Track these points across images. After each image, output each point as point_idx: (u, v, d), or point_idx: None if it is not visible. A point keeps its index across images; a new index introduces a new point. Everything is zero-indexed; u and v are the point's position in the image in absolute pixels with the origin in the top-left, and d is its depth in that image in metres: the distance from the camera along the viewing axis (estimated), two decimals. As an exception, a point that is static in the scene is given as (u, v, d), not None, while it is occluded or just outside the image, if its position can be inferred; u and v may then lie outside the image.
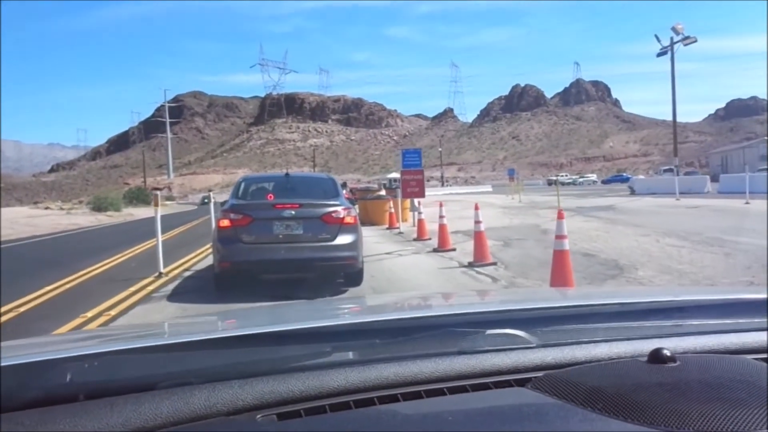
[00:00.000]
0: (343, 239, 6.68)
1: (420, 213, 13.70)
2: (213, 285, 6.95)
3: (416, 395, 0.96)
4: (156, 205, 8.66)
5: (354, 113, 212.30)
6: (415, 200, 15.34)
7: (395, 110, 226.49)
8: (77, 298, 7.06)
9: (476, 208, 9.06)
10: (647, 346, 1.07)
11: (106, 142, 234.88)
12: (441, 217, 10.98)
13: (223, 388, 0.91)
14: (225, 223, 6.62)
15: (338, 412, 0.90)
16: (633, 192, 33.00)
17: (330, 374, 0.97)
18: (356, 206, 7.75)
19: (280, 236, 6.57)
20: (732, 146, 68.17)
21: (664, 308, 1.37)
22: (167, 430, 0.84)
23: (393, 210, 16.98)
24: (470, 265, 8.62)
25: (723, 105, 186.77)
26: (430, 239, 12.38)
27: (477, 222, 8.81)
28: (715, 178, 34.39)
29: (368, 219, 17.79)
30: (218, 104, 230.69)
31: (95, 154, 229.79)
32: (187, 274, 8.88)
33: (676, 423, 0.78)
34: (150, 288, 7.49)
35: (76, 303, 6.69)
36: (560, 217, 6.01)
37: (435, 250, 10.62)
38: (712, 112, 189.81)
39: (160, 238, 8.72)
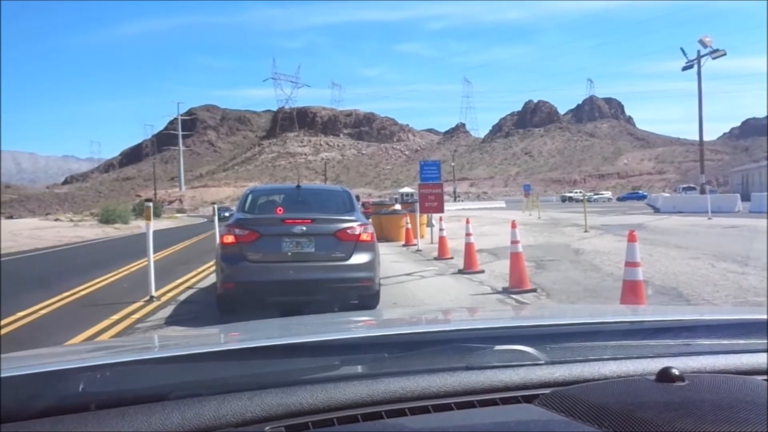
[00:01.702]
0: (359, 258, 5.96)
1: (441, 230, 12.66)
2: (214, 310, 6.15)
3: (424, 410, 0.95)
4: (148, 218, 7.53)
5: (366, 127, 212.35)
6: (434, 216, 14.32)
7: (407, 125, 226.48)
8: (47, 329, 6.01)
9: (513, 225, 7.93)
10: (656, 364, 1.06)
11: (119, 155, 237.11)
12: (468, 234, 9.91)
13: (232, 400, 0.91)
14: (229, 239, 5.90)
15: (346, 425, 0.91)
16: (656, 210, 31.58)
17: (338, 387, 0.97)
18: (369, 221, 6.96)
19: (290, 254, 5.86)
20: (753, 165, 66.39)
21: (673, 327, 1.34)
22: None
23: (410, 225, 15.95)
24: (505, 291, 7.53)
25: (738, 124, 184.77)
26: (452, 258, 11.47)
27: (514, 242, 7.67)
28: (745, 198, 32.90)
29: (383, 235, 16.80)
30: (231, 118, 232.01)
31: (108, 166, 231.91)
32: (183, 297, 7.82)
33: None
34: (136, 316, 6.43)
35: (45, 335, 5.67)
36: (632, 239, 4.87)
37: (460, 272, 9.55)
38: (727, 131, 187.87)
39: (152, 257, 7.61)
